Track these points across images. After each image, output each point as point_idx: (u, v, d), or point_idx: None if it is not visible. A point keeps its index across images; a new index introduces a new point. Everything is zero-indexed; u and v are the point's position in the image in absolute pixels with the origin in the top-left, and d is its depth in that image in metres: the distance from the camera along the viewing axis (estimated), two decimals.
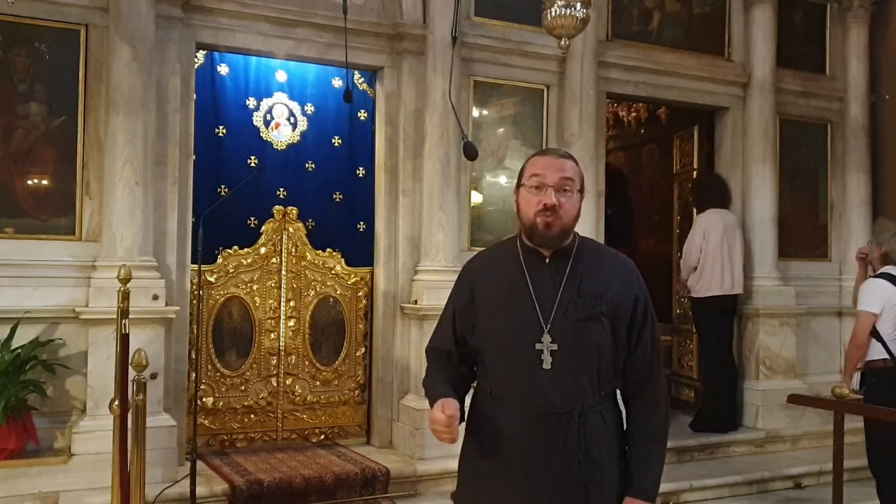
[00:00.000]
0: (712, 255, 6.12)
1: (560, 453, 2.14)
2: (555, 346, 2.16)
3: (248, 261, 5.32)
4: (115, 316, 3.96)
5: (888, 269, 4.66)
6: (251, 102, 5.68)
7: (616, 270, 2.28)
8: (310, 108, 5.84)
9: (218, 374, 5.25)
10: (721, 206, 6.31)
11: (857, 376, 4.69)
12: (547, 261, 2.24)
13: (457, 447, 2.34)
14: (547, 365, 2.15)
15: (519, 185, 2.27)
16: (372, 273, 5.59)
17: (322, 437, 5.49)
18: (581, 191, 2.24)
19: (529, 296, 2.20)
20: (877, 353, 4.55)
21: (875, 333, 4.54)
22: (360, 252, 5.70)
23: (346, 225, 5.85)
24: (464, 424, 2.25)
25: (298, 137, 5.80)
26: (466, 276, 2.36)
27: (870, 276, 4.78)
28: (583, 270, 2.23)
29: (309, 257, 5.48)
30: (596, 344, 2.18)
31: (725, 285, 6.15)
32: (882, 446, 4.58)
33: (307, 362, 5.48)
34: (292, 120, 5.79)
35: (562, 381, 2.16)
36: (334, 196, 5.87)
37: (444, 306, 2.41)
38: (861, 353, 4.60)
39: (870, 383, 4.60)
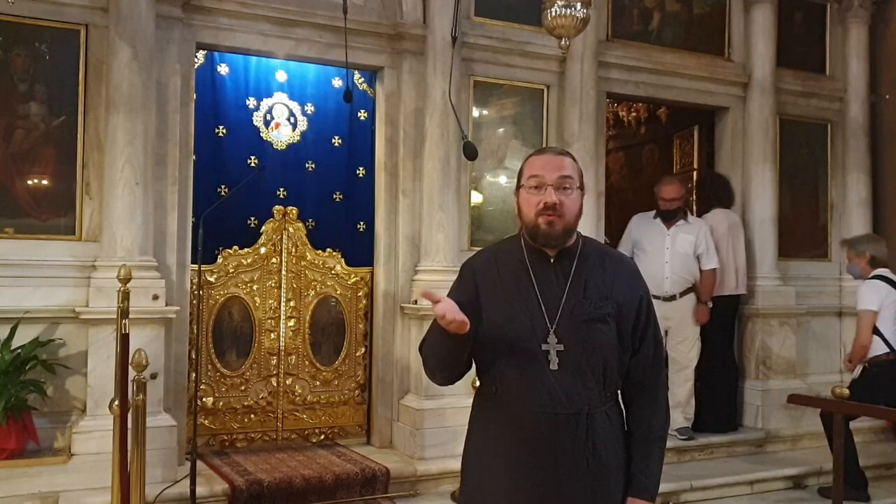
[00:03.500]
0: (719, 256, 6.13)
1: (568, 454, 2.14)
2: (561, 347, 2.15)
3: (248, 261, 5.32)
4: (115, 316, 3.97)
5: (880, 271, 5.05)
6: (251, 102, 5.68)
7: (621, 271, 2.27)
8: (310, 108, 5.84)
9: (218, 374, 5.25)
10: (726, 206, 6.31)
11: (858, 368, 5.06)
12: (552, 261, 2.23)
13: (458, 447, 2.33)
14: (554, 366, 2.15)
15: (518, 186, 2.26)
16: (372, 273, 5.58)
17: (322, 437, 5.49)
18: (581, 188, 2.23)
19: (535, 296, 2.19)
20: (880, 348, 4.87)
21: (876, 331, 4.86)
22: (360, 252, 5.69)
23: (346, 225, 5.84)
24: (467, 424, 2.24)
25: (298, 137, 5.80)
26: (470, 273, 2.31)
27: (866, 280, 5.10)
28: (588, 271, 2.22)
29: (309, 257, 5.48)
30: (602, 345, 2.17)
31: (731, 285, 6.14)
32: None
33: (307, 362, 5.48)
34: (292, 120, 5.79)
35: (569, 382, 2.15)
36: (334, 196, 5.87)
37: None
38: (865, 351, 4.93)
39: (872, 373, 4.91)
